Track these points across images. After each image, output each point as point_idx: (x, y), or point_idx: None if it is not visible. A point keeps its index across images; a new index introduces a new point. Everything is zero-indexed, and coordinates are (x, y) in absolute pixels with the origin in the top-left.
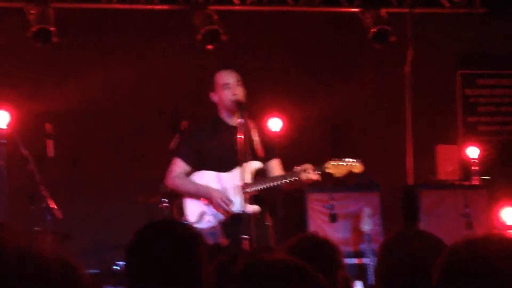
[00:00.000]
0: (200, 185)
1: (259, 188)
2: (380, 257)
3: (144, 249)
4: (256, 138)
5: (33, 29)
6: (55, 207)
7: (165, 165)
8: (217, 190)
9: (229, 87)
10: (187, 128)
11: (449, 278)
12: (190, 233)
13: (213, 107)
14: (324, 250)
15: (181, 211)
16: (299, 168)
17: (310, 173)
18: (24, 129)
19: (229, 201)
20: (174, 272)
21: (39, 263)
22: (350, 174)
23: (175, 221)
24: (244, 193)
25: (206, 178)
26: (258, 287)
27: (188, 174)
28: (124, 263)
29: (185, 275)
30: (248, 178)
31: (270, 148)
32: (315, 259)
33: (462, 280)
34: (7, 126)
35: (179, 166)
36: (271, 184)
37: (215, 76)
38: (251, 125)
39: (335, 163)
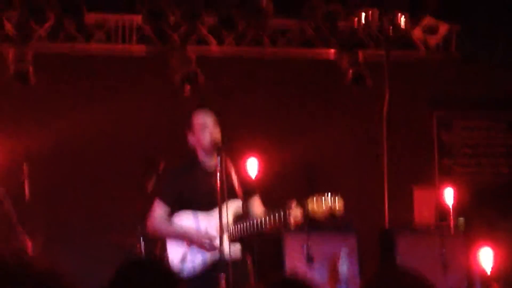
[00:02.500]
0: (180, 229)
1: (241, 231)
2: None
3: (125, 286)
4: (234, 177)
5: (11, 70)
6: (31, 247)
7: (142, 205)
8: (197, 231)
9: (206, 128)
10: (164, 169)
11: None
12: (170, 272)
13: (191, 148)
14: None
15: (162, 252)
16: (286, 208)
17: (294, 210)
18: (1, 169)
19: (210, 238)
20: None
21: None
22: (331, 216)
23: (155, 259)
24: (225, 235)
25: (186, 220)
26: None
27: (169, 214)
28: None
29: None
30: (228, 219)
31: (249, 187)
32: None
33: None
34: None
35: (159, 207)
36: (255, 227)
37: (192, 117)
38: (229, 165)
39: (315, 200)
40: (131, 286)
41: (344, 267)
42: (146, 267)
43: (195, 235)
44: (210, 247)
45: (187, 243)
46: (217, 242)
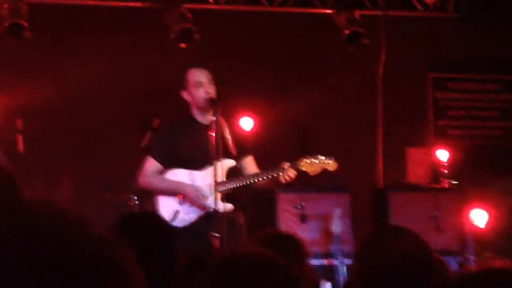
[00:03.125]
0: (174, 181)
1: (233, 186)
2: (359, 253)
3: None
4: (228, 136)
5: (6, 23)
6: None
7: (136, 162)
8: (191, 185)
9: (201, 85)
10: (158, 126)
11: None
12: (166, 225)
13: (185, 105)
14: (289, 242)
15: (154, 209)
16: (279, 169)
17: (288, 170)
18: None
19: (203, 195)
20: (149, 263)
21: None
22: (324, 172)
23: (151, 213)
24: (217, 191)
25: (179, 177)
26: (230, 280)
27: (160, 172)
28: None
29: (161, 266)
30: (221, 176)
31: (243, 146)
32: (282, 250)
33: None
34: None
35: (151, 164)
36: (246, 182)
37: (187, 74)
38: (223, 123)
39: (309, 160)
40: (128, 238)
41: (337, 227)
42: (142, 220)
43: (189, 187)
44: (202, 205)
45: (179, 199)
46: (209, 201)
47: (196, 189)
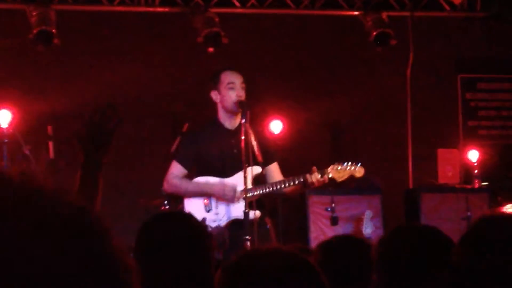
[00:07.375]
0: (199, 182)
1: (260, 193)
2: (382, 247)
3: (154, 238)
4: (254, 142)
5: (35, 30)
6: None
7: (166, 167)
8: (217, 183)
9: (234, 87)
10: (186, 131)
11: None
12: (200, 224)
13: (213, 109)
14: (361, 251)
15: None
16: (306, 175)
17: (314, 177)
18: (26, 130)
19: (230, 189)
20: (185, 263)
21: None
22: (352, 178)
23: (185, 212)
24: (246, 198)
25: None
26: (250, 277)
27: (186, 177)
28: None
29: (197, 267)
30: (249, 183)
31: (269, 152)
32: (351, 258)
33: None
34: (9, 125)
35: (177, 169)
36: (273, 188)
37: (220, 75)
38: (249, 130)
39: (337, 167)
40: (158, 237)
41: (368, 229)
42: (174, 219)
43: (215, 186)
44: (232, 198)
45: (205, 205)
46: (239, 193)
47: (223, 185)
